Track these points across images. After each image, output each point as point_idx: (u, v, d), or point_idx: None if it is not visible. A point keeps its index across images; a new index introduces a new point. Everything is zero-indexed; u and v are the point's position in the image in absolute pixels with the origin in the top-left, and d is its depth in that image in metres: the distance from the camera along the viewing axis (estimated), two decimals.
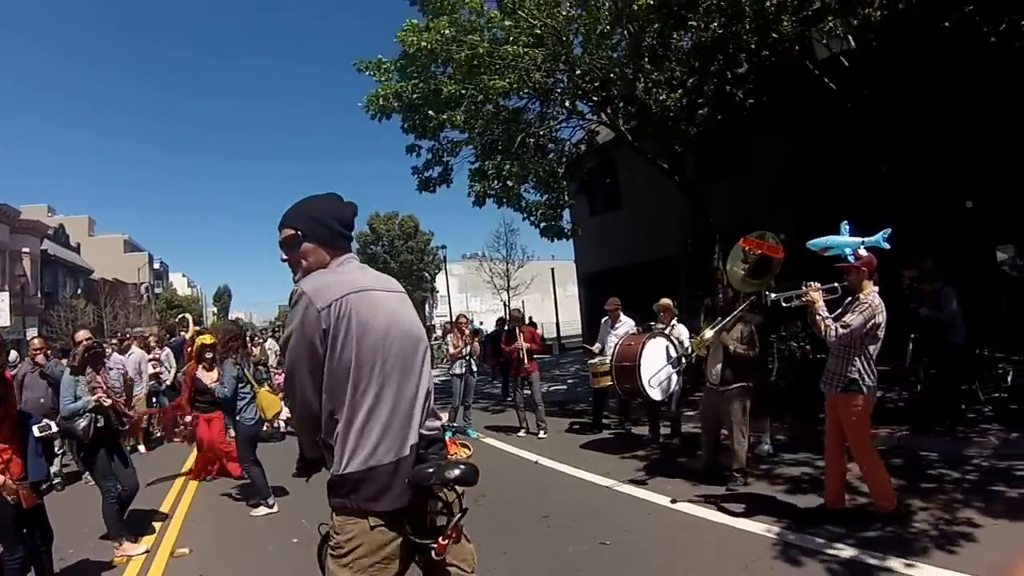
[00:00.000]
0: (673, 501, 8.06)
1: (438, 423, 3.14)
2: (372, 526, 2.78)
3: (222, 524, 8.88)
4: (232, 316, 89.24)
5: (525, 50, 14.81)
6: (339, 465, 2.80)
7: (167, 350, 17.04)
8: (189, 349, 11.20)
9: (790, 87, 15.88)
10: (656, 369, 10.26)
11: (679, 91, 14.46)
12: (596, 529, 7.21)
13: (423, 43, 15.27)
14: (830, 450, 7.02)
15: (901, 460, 8.98)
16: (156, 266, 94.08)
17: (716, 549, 6.42)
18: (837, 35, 13.38)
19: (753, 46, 13.47)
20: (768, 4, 12.45)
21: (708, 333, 8.40)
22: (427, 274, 63.99)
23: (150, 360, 15.91)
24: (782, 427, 11.09)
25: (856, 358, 6.64)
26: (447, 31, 15.25)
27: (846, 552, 5.95)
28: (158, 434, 15.58)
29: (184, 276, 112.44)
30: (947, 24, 12.78)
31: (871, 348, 6.66)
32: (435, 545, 2.88)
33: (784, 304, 7.18)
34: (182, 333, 17.05)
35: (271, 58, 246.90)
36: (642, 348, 10.23)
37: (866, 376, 6.63)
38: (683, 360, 10.29)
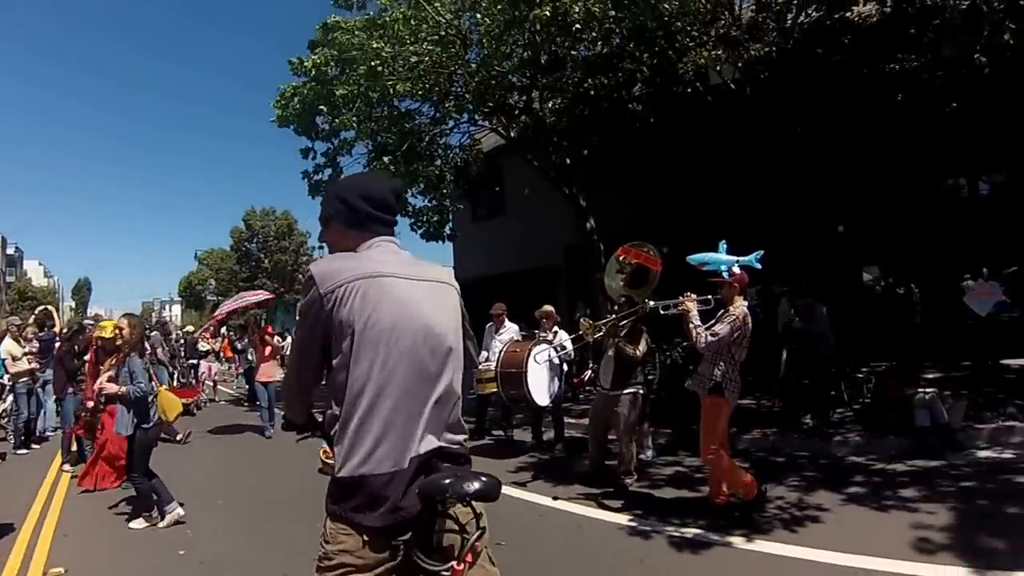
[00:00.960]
0: (555, 499, 8.43)
1: (460, 437, 2.75)
2: (365, 541, 2.45)
3: (99, 539, 7.97)
4: (91, 312, 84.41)
5: (428, 48, 14.84)
6: (336, 467, 2.51)
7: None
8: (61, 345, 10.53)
9: (680, 109, 16.56)
10: (541, 375, 10.51)
11: (571, 103, 14.83)
12: (489, 531, 7.30)
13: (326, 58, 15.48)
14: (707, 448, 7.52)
15: (772, 458, 9.83)
16: (9, 251, 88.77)
17: (610, 545, 6.72)
18: (729, 64, 14.07)
19: (646, 68, 13.98)
20: (668, 29, 12.95)
21: (589, 322, 8.90)
22: (301, 275, 61.97)
23: (26, 354, 14.35)
24: (661, 432, 11.51)
25: (722, 363, 7.23)
26: (353, 38, 15.29)
27: (691, 532, 6.83)
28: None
29: (40, 264, 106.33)
30: (827, 64, 13.81)
31: (738, 355, 7.25)
32: (446, 572, 2.47)
33: (662, 312, 7.90)
34: (51, 328, 16.38)
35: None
36: (527, 355, 10.38)
37: (729, 380, 7.23)
38: (565, 366, 10.63)
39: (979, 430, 9.78)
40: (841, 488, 8.09)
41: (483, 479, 2.50)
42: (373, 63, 14.71)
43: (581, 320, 9.21)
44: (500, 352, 10.98)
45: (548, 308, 11.65)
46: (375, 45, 14.78)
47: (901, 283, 17.42)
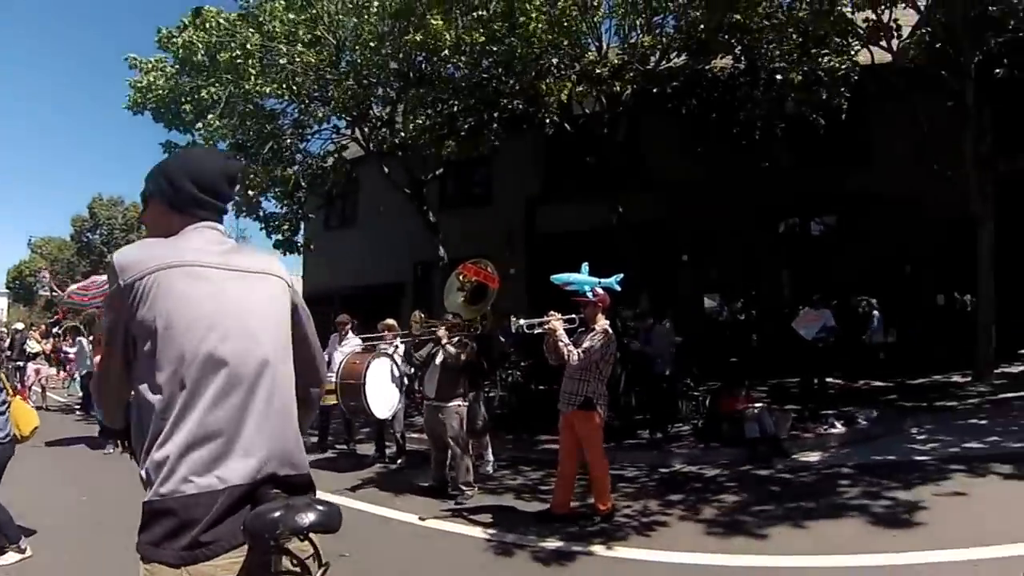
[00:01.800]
0: (404, 510, 8.42)
1: (297, 459, 2.33)
2: None
3: None
4: None
5: (301, 49, 14.64)
6: (145, 490, 2.12)
7: None
8: None
9: (538, 134, 17.10)
10: (381, 388, 10.42)
11: (434, 119, 14.96)
12: (332, 544, 7.17)
13: (193, 40, 14.86)
14: (565, 462, 7.85)
15: (613, 471, 9.94)
16: None
17: (452, 556, 6.84)
18: (591, 98, 14.68)
19: (511, 94, 14.33)
20: (535, 63, 13.35)
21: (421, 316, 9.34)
22: None
23: None
24: (504, 447, 11.65)
25: (592, 379, 7.48)
26: (217, 26, 14.85)
27: (554, 544, 6.92)
28: None
29: None
30: (683, 108, 14.82)
31: (605, 371, 7.57)
32: None
33: (527, 330, 7.83)
34: None
35: None
36: (367, 367, 10.28)
37: (600, 396, 7.51)
38: (406, 379, 10.62)
39: (804, 439, 10.79)
40: (678, 495, 8.63)
41: (320, 508, 2.14)
42: (237, 55, 14.40)
43: (414, 313, 9.28)
44: (340, 363, 10.84)
45: (390, 321, 11.59)
46: (245, 35, 14.48)
47: (741, 310, 18.61)
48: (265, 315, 2.37)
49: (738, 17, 12.94)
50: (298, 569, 2.16)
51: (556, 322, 7.62)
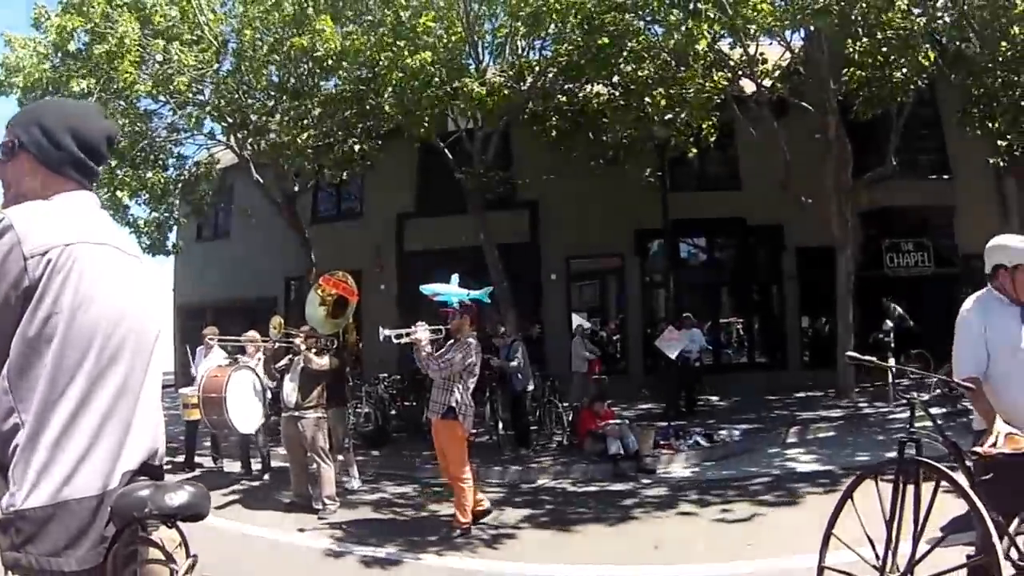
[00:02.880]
0: (265, 525, 8.28)
1: (161, 446, 2.22)
2: None
3: None
4: None
5: (180, 48, 14.24)
6: (14, 495, 1.87)
7: None
8: None
9: (410, 149, 17.30)
10: (243, 401, 10.17)
11: (310, 130, 14.81)
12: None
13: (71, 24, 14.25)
14: (444, 471, 8.03)
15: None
16: None
17: (304, 571, 6.86)
18: (465, 115, 15.10)
19: (387, 108, 14.33)
20: (415, 76, 13.42)
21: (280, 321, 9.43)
22: None
23: None
24: (370, 462, 11.64)
25: (455, 389, 7.53)
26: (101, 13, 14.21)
27: (428, 559, 7.00)
28: None
29: None
30: (555, 128, 15.24)
31: (469, 381, 7.64)
32: None
33: (395, 340, 7.87)
34: None
35: None
36: (228, 380, 10.03)
37: (464, 405, 7.56)
38: (269, 392, 10.44)
39: (667, 454, 11.12)
40: (535, 509, 8.82)
41: (189, 489, 2.04)
42: (113, 47, 13.82)
43: (273, 319, 9.23)
44: (202, 377, 10.56)
45: (252, 333, 11.35)
46: (125, 27, 13.88)
47: (610, 329, 19.15)
48: (154, 299, 2.32)
49: (607, 41, 13.21)
50: (163, 558, 2.05)
51: (421, 333, 7.63)
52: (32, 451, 1.88)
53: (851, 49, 13.24)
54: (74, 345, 1.94)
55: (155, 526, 2.01)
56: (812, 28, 13.06)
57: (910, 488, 3.74)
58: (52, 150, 2.15)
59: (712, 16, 12.27)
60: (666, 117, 14.52)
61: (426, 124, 14.71)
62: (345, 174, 16.14)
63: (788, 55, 14.82)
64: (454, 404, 7.49)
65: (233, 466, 11.77)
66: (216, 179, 18.31)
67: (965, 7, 12.61)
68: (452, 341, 7.81)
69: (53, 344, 1.91)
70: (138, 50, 14.00)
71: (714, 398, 16.28)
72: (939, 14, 12.80)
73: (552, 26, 14.10)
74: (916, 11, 12.52)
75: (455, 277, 8.14)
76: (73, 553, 1.87)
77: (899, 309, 16.39)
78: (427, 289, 8.24)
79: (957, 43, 13.25)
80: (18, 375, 1.91)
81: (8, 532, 1.86)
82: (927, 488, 3.75)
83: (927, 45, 12.75)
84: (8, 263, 1.91)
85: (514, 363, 12.08)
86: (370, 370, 16.12)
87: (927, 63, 12.78)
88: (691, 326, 15.00)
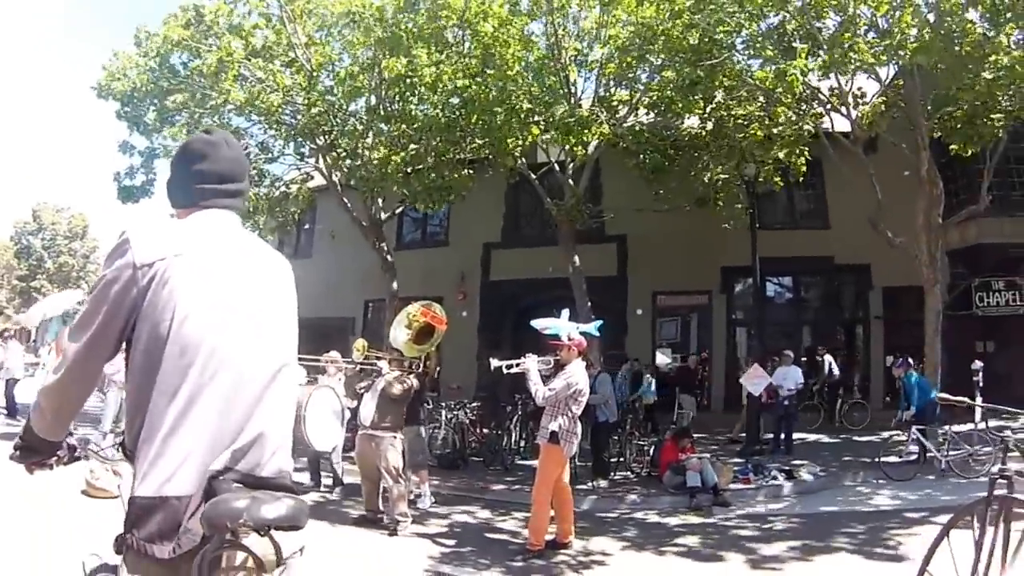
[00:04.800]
0: (336, 539, 8.21)
1: (287, 468, 2.27)
2: None
3: None
4: None
5: (277, 68, 14.64)
6: (133, 484, 2.05)
7: None
8: None
9: (500, 179, 17.51)
10: (321, 419, 10.22)
11: (400, 154, 15.01)
12: None
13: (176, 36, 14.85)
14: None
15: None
16: None
17: None
18: (557, 146, 15.25)
19: (478, 138, 14.56)
20: (504, 104, 13.63)
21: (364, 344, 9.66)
22: (86, 284, 53.49)
23: None
24: (444, 485, 11.61)
25: (559, 416, 7.72)
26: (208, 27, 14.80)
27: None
28: None
29: None
30: (647, 164, 15.37)
31: (574, 408, 7.80)
32: None
33: (505, 370, 8.31)
34: None
35: None
36: (308, 398, 10.11)
37: (566, 432, 7.71)
38: (347, 412, 10.48)
39: (745, 490, 11.09)
40: (621, 537, 8.79)
41: (288, 502, 2.05)
42: (219, 61, 14.37)
43: (357, 341, 9.35)
44: None
45: (334, 354, 11.46)
46: (228, 44, 14.48)
47: (694, 364, 18.99)
48: (285, 317, 2.38)
49: (701, 74, 13.15)
50: (253, 566, 2.03)
51: (530, 363, 7.98)
52: (148, 446, 2.03)
53: (952, 87, 12.87)
54: (184, 351, 2.06)
55: (247, 533, 1.98)
56: (908, 64, 12.76)
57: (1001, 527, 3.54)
58: (178, 192, 2.41)
59: (805, 55, 12.09)
60: (757, 155, 14.42)
61: (515, 154, 14.81)
62: (433, 205, 16.25)
63: (881, 91, 14.48)
64: (556, 429, 7.68)
65: (302, 478, 11.84)
66: (306, 199, 18.59)
67: None
68: (559, 370, 8.03)
69: (166, 349, 2.05)
70: (239, 66, 14.41)
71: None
72: None
73: (653, 59, 14.11)
74: (1013, 46, 12.10)
75: (565, 312, 8.46)
76: (168, 543, 1.98)
77: (831, 361, 16.79)
78: (537, 324, 8.49)
79: None
80: (144, 375, 2.08)
81: (128, 515, 2.04)
82: (1017, 527, 3.55)
83: None
84: (122, 272, 2.09)
85: (598, 395, 11.98)
86: (446, 396, 16.20)
87: None
88: (788, 363, 14.63)
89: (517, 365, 8.14)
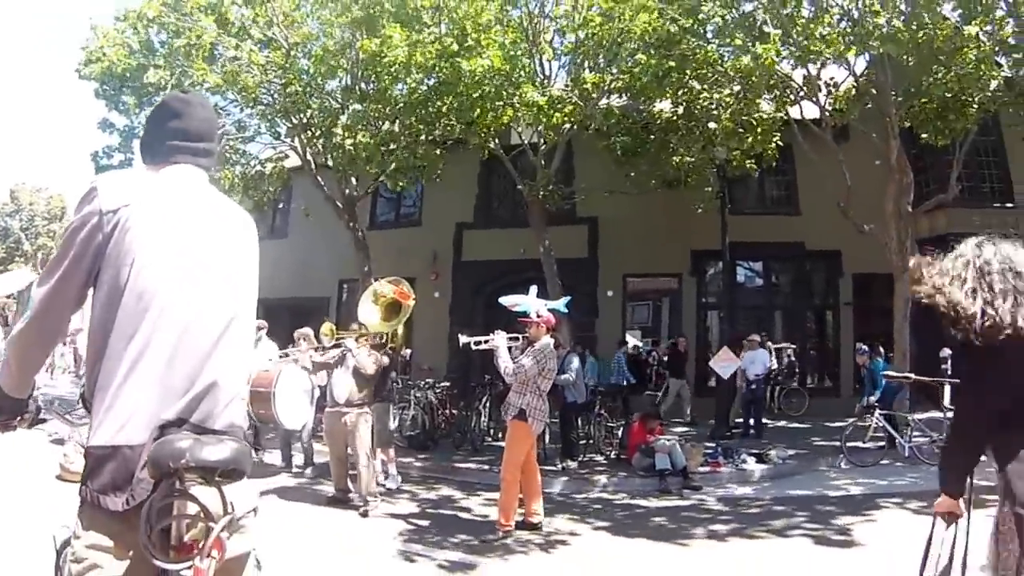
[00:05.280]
0: (307, 517, 8.39)
1: (240, 422, 2.24)
2: (116, 532, 1.97)
3: None
4: None
5: (252, 48, 14.51)
6: (87, 433, 2.06)
7: None
8: None
9: (473, 160, 17.63)
10: (292, 398, 10.20)
11: (373, 136, 14.96)
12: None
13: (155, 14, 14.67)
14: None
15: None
16: None
17: (339, 564, 6.82)
18: (529, 128, 15.35)
19: (453, 118, 14.61)
20: (478, 85, 13.63)
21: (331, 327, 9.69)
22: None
23: None
24: (413, 465, 11.72)
25: (527, 393, 7.77)
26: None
27: (466, 557, 7.01)
28: None
29: None
30: (618, 147, 15.65)
31: (543, 385, 7.87)
32: (186, 572, 1.94)
33: (474, 346, 8.43)
34: None
35: None
36: (278, 376, 10.09)
37: (534, 409, 7.76)
38: (318, 390, 10.49)
39: (715, 473, 11.21)
40: (590, 519, 8.82)
41: (231, 444, 2.02)
42: (192, 42, 14.26)
43: (324, 325, 9.66)
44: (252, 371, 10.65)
45: (306, 330, 11.42)
46: (202, 24, 14.31)
47: (659, 351, 19.15)
48: (242, 266, 2.40)
49: (673, 64, 13.21)
50: (201, 513, 1.99)
51: (499, 339, 8.01)
52: (103, 395, 2.04)
53: (924, 81, 13.00)
54: (141, 298, 2.08)
55: (193, 482, 1.97)
56: (878, 53, 12.87)
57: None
58: (149, 146, 2.44)
59: (779, 40, 12.15)
60: (728, 141, 14.52)
61: (486, 134, 14.83)
62: (406, 183, 16.22)
63: (852, 80, 14.61)
64: (524, 406, 7.72)
65: (274, 458, 11.84)
66: (281, 178, 18.46)
67: None
68: (528, 347, 8.04)
69: (123, 296, 2.08)
70: (211, 47, 14.29)
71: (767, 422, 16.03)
72: (1009, 39, 12.45)
73: (625, 47, 14.17)
74: (984, 39, 12.22)
75: (533, 288, 8.49)
76: (120, 495, 1.97)
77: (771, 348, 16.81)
78: (506, 300, 8.53)
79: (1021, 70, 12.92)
80: (102, 323, 2.09)
81: (85, 466, 2.05)
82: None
83: (998, 74, 12.50)
84: (88, 218, 2.12)
85: (566, 376, 12.02)
86: (417, 376, 16.24)
87: (1000, 93, 12.53)
88: (755, 347, 14.80)
89: (486, 342, 8.20)
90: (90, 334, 2.13)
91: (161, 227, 2.16)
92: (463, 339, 8.50)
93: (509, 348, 8.04)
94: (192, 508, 1.99)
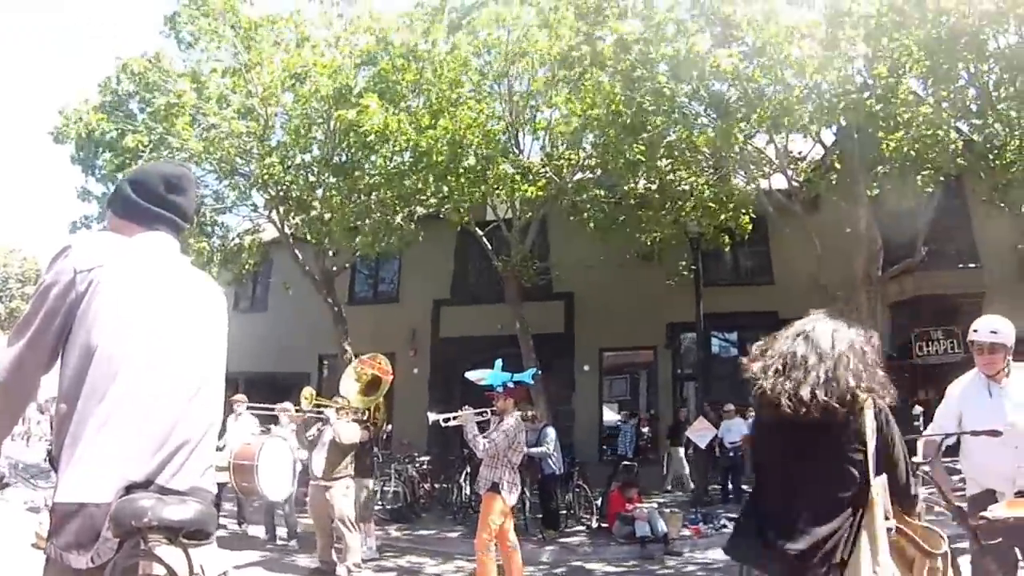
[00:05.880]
0: None
1: (209, 488, 2.28)
2: None
3: None
4: None
5: (231, 115, 14.76)
6: (54, 489, 2.07)
7: None
8: None
9: (448, 236, 18.25)
10: (274, 470, 10.23)
11: (349, 210, 15.17)
12: None
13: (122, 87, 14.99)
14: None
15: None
16: None
17: None
18: (504, 203, 15.63)
19: (429, 193, 14.93)
20: (455, 160, 13.99)
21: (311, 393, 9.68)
22: None
23: None
24: (395, 536, 11.86)
25: (499, 466, 7.79)
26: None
27: None
28: None
29: None
30: (592, 222, 15.84)
31: (515, 458, 7.91)
32: None
33: (443, 424, 8.38)
34: None
35: None
36: (261, 448, 10.14)
37: (506, 482, 7.77)
38: (300, 463, 10.54)
39: (696, 539, 11.24)
40: None
41: (194, 505, 2.04)
42: (172, 103, 14.47)
43: (304, 389, 9.69)
44: (233, 444, 10.69)
45: (287, 404, 11.48)
46: (180, 87, 14.55)
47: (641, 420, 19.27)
48: (213, 343, 2.43)
49: (642, 147, 13.56)
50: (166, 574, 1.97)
51: (467, 415, 8.06)
52: (71, 451, 2.03)
53: (884, 146, 13.43)
54: (111, 360, 2.10)
55: (158, 542, 1.97)
56: (843, 124, 13.29)
57: None
58: (120, 202, 2.49)
59: (742, 116, 12.57)
60: (701, 217, 14.85)
61: (463, 209, 15.12)
62: (382, 249, 16.37)
63: (821, 150, 15.06)
64: (497, 480, 7.73)
65: (258, 531, 11.77)
66: (258, 251, 18.53)
67: (993, 100, 12.82)
68: (499, 421, 8.07)
69: (95, 357, 2.09)
70: (193, 110, 14.58)
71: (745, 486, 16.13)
72: (969, 104, 12.95)
73: (591, 135, 14.62)
74: (945, 104, 12.69)
75: (499, 362, 8.51)
76: (85, 553, 1.97)
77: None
78: (472, 375, 8.66)
79: (983, 135, 13.38)
80: (72, 383, 2.10)
81: (50, 523, 2.07)
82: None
83: (956, 138, 12.93)
84: (61, 276, 2.15)
85: (542, 448, 12.15)
86: (397, 451, 16.25)
87: (958, 158, 12.96)
88: (732, 416, 14.99)
89: (454, 418, 8.20)
90: (60, 394, 2.12)
91: (135, 291, 2.20)
92: (431, 417, 8.52)
93: (479, 423, 8.11)
94: (159, 569, 1.98)
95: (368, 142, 14.09)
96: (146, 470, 2.06)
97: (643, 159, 13.79)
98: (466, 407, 8.27)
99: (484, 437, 7.88)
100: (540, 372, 8.78)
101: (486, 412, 8.34)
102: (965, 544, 4.04)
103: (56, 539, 2.00)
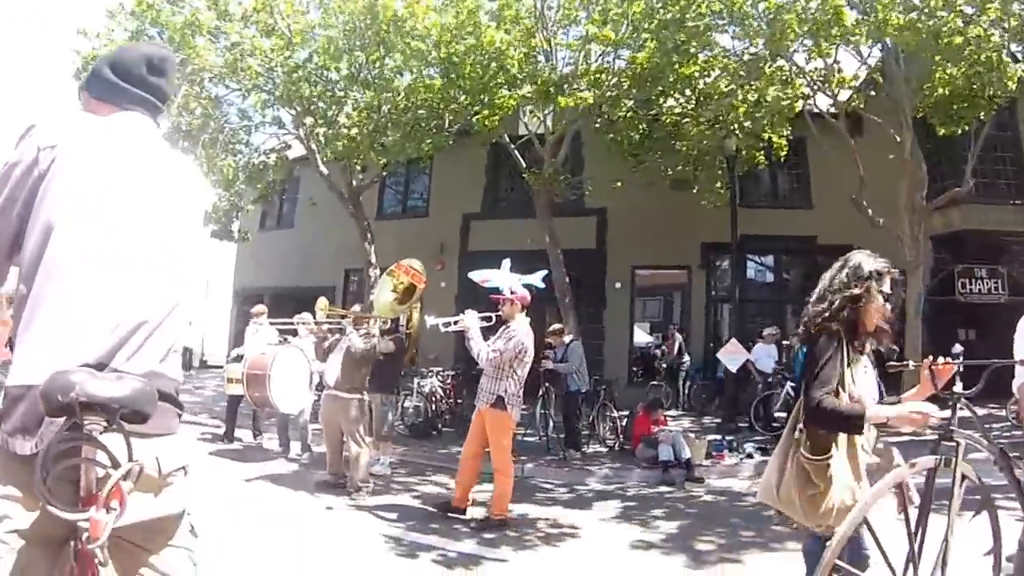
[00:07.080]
0: (300, 503, 8.17)
1: (174, 375, 2.13)
2: (23, 480, 1.82)
3: None
4: None
5: (254, 34, 14.42)
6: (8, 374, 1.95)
7: None
8: None
9: (479, 151, 18.12)
10: (289, 381, 10.05)
11: (376, 122, 14.87)
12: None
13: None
14: (467, 456, 7.68)
15: (529, 483, 10.05)
16: None
17: (328, 548, 6.59)
18: (536, 116, 15.31)
19: (458, 104, 14.69)
20: (483, 76, 13.67)
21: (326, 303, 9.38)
22: None
23: None
24: (413, 453, 11.67)
25: (505, 379, 7.27)
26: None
27: (466, 547, 6.71)
28: None
29: None
30: (627, 139, 15.88)
31: (519, 371, 7.34)
32: (83, 523, 1.74)
33: (443, 328, 7.82)
34: None
35: None
36: (275, 358, 9.94)
37: (512, 396, 7.28)
38: (317, 375, 10.31)
39: (719, 466, 10.98)
40: (589, 510, 8.65)
41: (132, 383, 1.83)
42: (188, 24, 14.20)
43: (319, 300, 9.31)
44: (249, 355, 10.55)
45: (306, 315, 11.26)
46: (195, 6, 14.33)
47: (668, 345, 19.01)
48: (177, 219, 2.27)
49: (683, 37, 12.99)
50: (108, 460, 1.79)
51: (470, 320, 7.45)
52: (25, 334, 1.93)
53: (936, 70, 12.71)
54: (68, 238, 1.98)
55: (97, 425, 1.77)
56: (890, 43, 12.61)
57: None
58: (93, 81, 2.39)
59: (795, 23, 11.96)
60: (744, 124, 14.19)
61: (496, 120, 14.72)
62: (412, 170, 16.05)
63: (864, 69, 14.35)
64: (503, 393, 7.26)
65: (273, 443, 11.70)
66: (284, 167, 18.29)
67: None
68: (504, 328, 7.56)
69: (52, 235, 1.97)
70: (213, 29, 14.18)
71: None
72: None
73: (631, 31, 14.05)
74: (996, 32, 11.92)
75: (506, 263, 7.88)
76: (30, 438, 1.86)
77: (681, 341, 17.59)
78: (476, 275, 8.09)
79: None
80: (32, 263, 1.98)
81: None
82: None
83: (1014, 64, 12.19)
84: (25, 154, 2.06)
85: (566, 364, 11.85)
86: (423, 364, 16.13)
87: (1012, 84, 12.21)
88: (771, 341, 14.56)
89: (455, 323, 7.65)
90: (20, 276, 2.03)
91: (98, 168, 2.08)
92: (430, 321, 7.95)
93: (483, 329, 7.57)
94: (100, 456, 1.80)
95: (405, 51, 13.77)
96: (98, 352, 1.92)
97: (683, 47, 13.32)
98: (469, 311, 7.61)
99: (488, 345, 7.37)
100: (550, 273, 8.08)
101: (491, 317, 7.79)
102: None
103: (4, 424, 1.90)
